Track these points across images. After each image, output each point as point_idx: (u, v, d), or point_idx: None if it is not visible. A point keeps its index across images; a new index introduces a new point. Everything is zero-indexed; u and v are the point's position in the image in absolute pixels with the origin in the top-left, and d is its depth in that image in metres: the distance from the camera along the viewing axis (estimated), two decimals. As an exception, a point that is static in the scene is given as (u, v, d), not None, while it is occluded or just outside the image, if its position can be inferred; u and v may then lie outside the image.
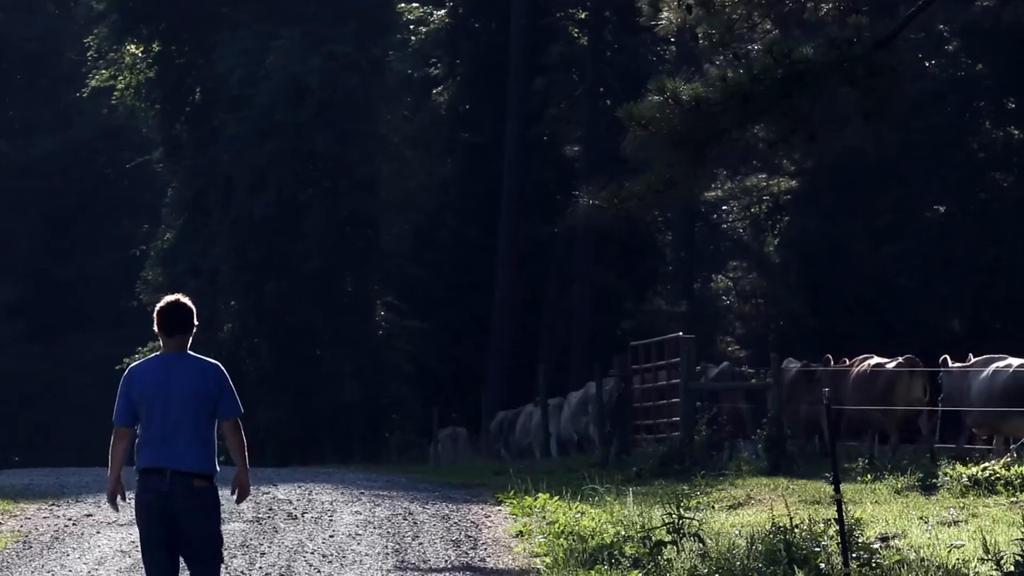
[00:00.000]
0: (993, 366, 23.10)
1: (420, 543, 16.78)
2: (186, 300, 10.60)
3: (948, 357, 23.85)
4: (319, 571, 14.92)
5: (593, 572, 13.88)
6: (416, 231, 48.18)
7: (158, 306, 10.59)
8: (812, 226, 42.10)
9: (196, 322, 10.59)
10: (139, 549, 10.80)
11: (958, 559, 13.42)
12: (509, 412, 38.90)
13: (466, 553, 16.08)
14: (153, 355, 10.68)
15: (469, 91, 50.12)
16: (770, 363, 26.24)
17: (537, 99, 47.73)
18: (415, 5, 49.92)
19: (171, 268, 46.49)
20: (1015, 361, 22.96)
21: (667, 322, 43.86)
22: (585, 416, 33.05)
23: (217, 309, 43.28)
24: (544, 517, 18.41)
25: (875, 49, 13.45)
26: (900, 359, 24.72)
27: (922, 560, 13.07)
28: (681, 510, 14.46)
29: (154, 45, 47.08)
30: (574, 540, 15.56)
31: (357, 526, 18.12)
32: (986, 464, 19.34)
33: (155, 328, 10.55)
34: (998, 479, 18.79)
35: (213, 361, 10.59)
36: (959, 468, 19.37)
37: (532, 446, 35.82)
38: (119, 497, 10.60)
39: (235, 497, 10.63)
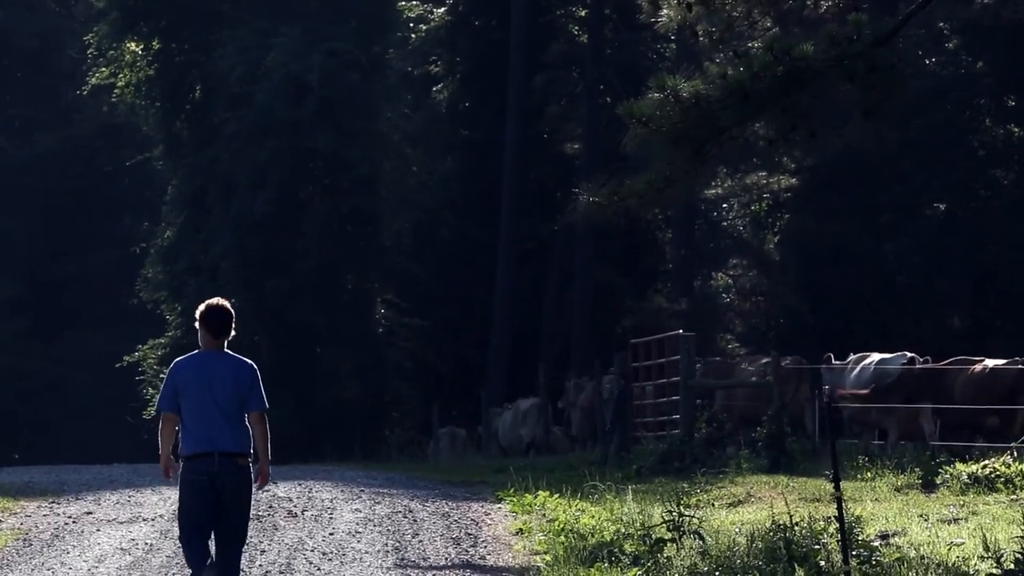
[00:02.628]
0: (861, 364, 24.83)
1: (420, 541, 16.78)
2: (227, 304, 12.01)
3: (831, 355, 25.87)
4: (319, 569, 14.92)
5: (593, 570, 13.87)
6: (416, 229, 48.15)
7: (202, 308, 11.94)
8: (812, 224, 42.06)
9: (234, 325, 12.00)
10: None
11: (958, 557, 13.42)
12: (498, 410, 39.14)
13: (466, 551, 16.08)
14: (195, 352, 12.00)
15: (469, 89, 50.11)
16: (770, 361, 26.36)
17: (537, 97, 47.69)
18: (415, 3, 49.90)
19: (171, 266, 46.44)
20: (879, 357, 24.64)
21: (667, 319, 43.81)
22: (522, 428, 35.98)
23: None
24: (544, 515, 18.42)
25: (875, 46, 13.45)
26: (788, 359, 27.22)
27: (922, 558, 13.06)
28: (681, 508, 14.46)
29: (154, 43, 47.01)
30: (574, 538, 15.57)
31: (357, 524, 18.13)
32: (986, 462, 19.35)
33: (197, 326, 11.93)
34: (998, 477, 18.80)
35: (248, 360, 11.97)
36: (959, 466, 19.38)
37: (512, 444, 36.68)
38: (171, 471, 11.85)
39: (257, 483, 11.88)
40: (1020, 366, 22.95)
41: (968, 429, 23.30)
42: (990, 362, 23.53)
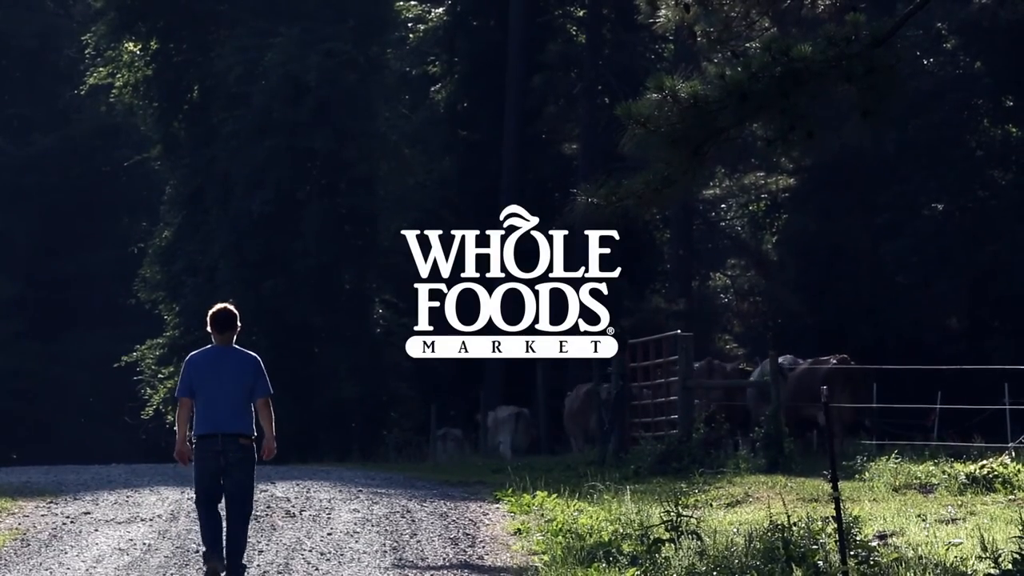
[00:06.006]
0: (760, 366, 27.45)
1: (418, 541, 16.78)
2: (232, 307, 14.04)
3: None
4: (317, 569, 14.92)
5: (591, 570, 13.87)
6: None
7: (211, 311, 13.97)
8: (810, 224, 42.05)
9: (239, 324, 13.99)
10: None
11: (956, 557, 13.42)
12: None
13: (464, 551, 16.08)
14: (207, 347, 13.96)
15: (467, 89, 50.06)
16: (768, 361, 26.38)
17: (535, 97, 47.65)
18: (413, 3, 49.87)
19: (169, 266, 46.40)
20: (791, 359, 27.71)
21: (665, 320, 43.81)
22: (499, 437, 37.06)
23: (215, 307, 43.18)
24: (542, 515, 18.42)
25: (873, 47, 13.46)
26: (702, 362, 29.36)
27: (920, 558, 13.07)
28: (679, 508, 14.46)
29: (152, 43, 46.99)
30: (572, 538, 15.56)
31: (355, 524, 18.13)
32: (984, 462, 19.36)
33: (208, 328, 13.91)
34: (996, 477, 18.81)
35: (252, 353, 13.99)
36: (957, 466, 19.39)
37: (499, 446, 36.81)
38: (186, 457, 13.74)
39: (264, 455, 13.91)
40: (833, 363, 25.50)
41: (799, 425, 25.72)
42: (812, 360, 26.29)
